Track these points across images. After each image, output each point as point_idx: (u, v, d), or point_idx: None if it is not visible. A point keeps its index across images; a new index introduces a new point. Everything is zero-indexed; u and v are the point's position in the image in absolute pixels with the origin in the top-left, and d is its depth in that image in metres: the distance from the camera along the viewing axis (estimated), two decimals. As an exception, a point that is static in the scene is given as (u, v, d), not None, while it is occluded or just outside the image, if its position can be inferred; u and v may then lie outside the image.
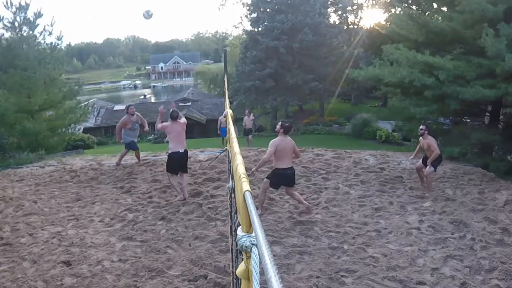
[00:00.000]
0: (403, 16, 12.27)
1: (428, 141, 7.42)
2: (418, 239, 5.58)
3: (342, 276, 4.60)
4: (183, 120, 7.52)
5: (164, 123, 7.31)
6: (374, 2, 33.43)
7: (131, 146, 9.88)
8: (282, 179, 6.24)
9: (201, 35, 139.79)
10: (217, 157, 9.18)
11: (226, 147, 7.88)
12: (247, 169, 8.34)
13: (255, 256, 1.23)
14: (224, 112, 7.75)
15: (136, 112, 10.20)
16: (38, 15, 16.56)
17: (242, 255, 1.49)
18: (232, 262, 2.89)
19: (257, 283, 1.19)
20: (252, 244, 1.32)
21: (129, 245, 5.49)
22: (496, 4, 9.62)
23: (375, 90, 21.61)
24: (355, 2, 33.59)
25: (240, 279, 1.52)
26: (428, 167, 7.41)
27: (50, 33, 17.13)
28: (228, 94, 10.45)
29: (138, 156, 10.22)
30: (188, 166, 7.74)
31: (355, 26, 34.16)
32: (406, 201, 7.06)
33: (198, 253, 5.07)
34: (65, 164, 10.53)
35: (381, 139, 20.45)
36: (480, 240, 5.46)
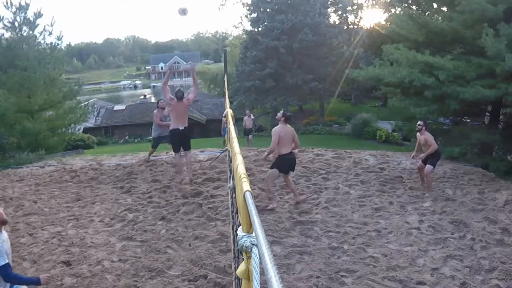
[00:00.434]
0: (403, 16, 12.27)
1: (426, 136, 7.48)
2: (418, 239, 5.58)
3: (342, 276, 4.60)
4: (191, 95, 8.02)
5: (172, 100, 7.55)
6: (374, 2, 33.46)
7: (155, 141, 9.73)
8: (287, 163, 6.61)
9: (201, 35, 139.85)
10: (217, 157, 9.18)
11: (226, 147, 7.89)
12: (247, 169, 8.34)
13: (255, 256, 1.23)
14: (224, 112, 7.75)
15: (168, 107, 9.76)
16: (38, 15, 16.56)
17: (242, 255, 1.49)
18: (234, 262, 2.89)
19: (257, 283, 1.19)
20: (252, 244, 1.32)
21: (129, 245, 5.49)
22: (496, 4, 9.62)
23: (375, 90, 21.61)
24: (355, 2, 33.59)
25: (241, 279, 1.52)
26: (427, 165, 7.43)
27: (50, 33, 17.15)
28: (228, 94, 10.45)
29: (150, 153, 10.05)
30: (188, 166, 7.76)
31: (355, 26, 34.17)
32: (406, 201, 7.05)
33: (198, 253, 5.07)
34: (65, 164, 10.53)
35: (381, 139, 20.45)
36: (480, 240, 5.46)
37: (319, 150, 10.93)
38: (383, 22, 26.52)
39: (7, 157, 11.87)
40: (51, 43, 17.56)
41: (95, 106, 37.21)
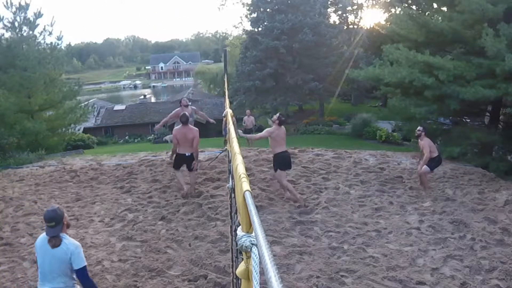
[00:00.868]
0: (403, 16, 12.26)
1: (423, 142, 7.41)
2: (418, 239, 5.58)
3: (342, 276, 4.60)
4: (195, 128, 7.28)
5: (175, 127, 7.34)
6: (374, 2, 33.44)
7: None
8: (285, 160, 6.98)
9: (201, 35, 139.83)
10: (217, 157, 9.18)
11: (226, 147, 7.89)
12: (247, 169, 8.32)
13: (255, 256, 1.22)
14: (224, 112, 7.75)
15: (192, 106, 9.33)
16: (38, 15, 16.57)
17: (242, 255, 1.49)
18: (232, 262, 2.89)
19: (257, 283, 1.18)
20: (252, 244, 1.32)
21: (129, 245, 5.49)
22: (496, 4, 9.62)
23: (375, 90, 21.52)
24: (355, 2, 33.57)
25: (240, 279, 1.52)
26: (424, 166, 7.44)
27: (50, 33, 17.16)
28: (228, 94, 10.44)
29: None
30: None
31: (355, 26, 34.14)
32: (406, 201, 7.06)
33: (198, 253, 5.07)
34: (65, 164, 10.53)
35: (381, 139, 20.42)
36: (480, 240, 5.46)
37: (319, 150, 10.94)
38: (383, 22, 26.53)
39: (7, 157, 11.87)
40: (51, 43, 17.59)
41: (95, 106, 37.22)
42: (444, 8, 12.55)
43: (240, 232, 1.45)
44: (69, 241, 3.17)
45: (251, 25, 29.68)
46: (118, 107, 39.71)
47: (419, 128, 7.64)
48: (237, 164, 1.97)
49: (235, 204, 2.08)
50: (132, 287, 4.42)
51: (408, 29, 11.91)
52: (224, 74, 12.21)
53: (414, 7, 14.16)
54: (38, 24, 16.71)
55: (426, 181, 7.57)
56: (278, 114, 7.19)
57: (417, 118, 11.61)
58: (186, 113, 8.51)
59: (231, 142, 3.07)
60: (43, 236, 3.20)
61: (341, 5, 33.06)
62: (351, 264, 4.86)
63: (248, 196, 1.41)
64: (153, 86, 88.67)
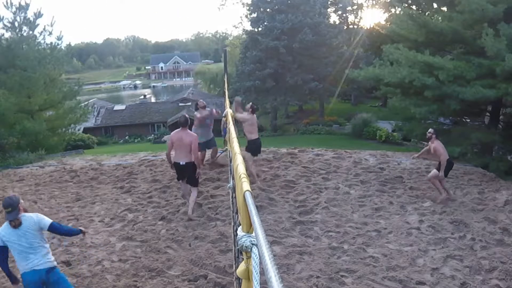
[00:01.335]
0: (403, 16, 12.27)
1: (435, 145, 7.09)
2: (418, 239, 5.58)
3: (342, 276, 4.60)
4: (194, 134, 6.42)
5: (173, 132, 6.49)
6: (374, 2, 33.47)
7: (201, 147, 8.28)
8: (257, 146, 7.80)
9: (201, 35, 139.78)
10: (217, 157, 9.17)
11: (226, 147, 7.90)
12: (247, 169, 8.32)
13: (255, 256, 1.22)
14: (224, 112, 7.75)
15: (209, 107, 8.92)
16: (38, 15, 16.57)
17: (242, 255, 1.49)
18: (235, 262, 2.89)
19: (257, 283, 1.18)
20: (252, 244, 1.32)
21: (129, 245, 5.49)
22: (496, 4, 9.62)
23: (375, 90, 21.53)
24: (355, 2, 33.59)
25: (241, 279, 1.52)
26: (433, 170, 7.16)
27: (50, 33, 17.16)
28: (228, 94, 10.44)
29: (202, 159, 8.74)
30: None
31: (355, 26, 34.16)
32: (406, 201, 7.06)
33: (198, 253, 5.07)
34: (65, 164, 10.53)
35: (381, 139, 20.43)
36: (480, 240, 5.46)
37: (319, 150, 10.93)
38: (383, 22, 26.59)
39: (7, 157, 11.88)
40: (51, 43, 17.60)
41: (95, 106, 37.27)
42: (444, 8, 12.56)
43: (240, 232, 1.45)
44: (28, 215, 3.65)
45: (251, 25, 29.68)
46: (118, 107, 39.73)
47: (430, 130, 7.32)
48: (237, 164, 1.97)
49: (236, 204, 2.08)
50: (132, 287, 4.42)
51: (408, 29, 11.92)
52: (224, 74, 12.21)
53: (414, 7, 14.17)
54: (38, 24, 16.73)
55: (440, 185, 7.17)
56: (251, 103, 8.19)
57: (417, 118, 11.62)
58: (199, 113, 8.45)
59: (231, 142, 3.07)
60: (5, 225, 3.61)
61: (341, 5, 33.09)
62: (351, 264, 4.86)
63: (248, 196, 1.41)
64: (153, 86, 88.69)
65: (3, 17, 15.99)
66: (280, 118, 31.88)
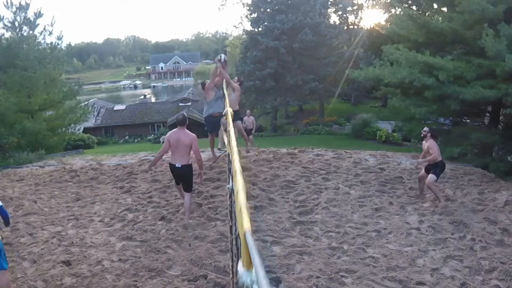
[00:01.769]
0: (403, 17, 12.27)
1: (429, 144, 7.03)
2: (418, 239, 5.58)
3: (342, 276, 4.59)
4: (192, 134, 5.89)
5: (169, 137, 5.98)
6: (374, 2, 33.48)
7: (209, 125, 7.93)
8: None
9: (201, 35, 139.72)
10: (218, 157, 9.17)
11: (225, 149, 7.88)
12: (247, 169, 8.32)
13: None
14: (224, 111, 7.71)
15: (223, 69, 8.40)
16: (38, 15, 16.58)
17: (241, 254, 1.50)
18: (232, 262, 2.89)
19: None
20: (252, 281, 1.33)
21: (129, 245, 5.48)
22: (496, 5, 9.63)
23: (375, 91, 21.53)
24: (355, 2, 33.62)
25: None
26: (430, 175, 6.94)
27: (50, 33, 17.19)
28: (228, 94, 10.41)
29: (212, 144, 8.64)
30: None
31: (355, 27, 34.18)
32: (406, 202, 7.05)
33: (198, 253, 5.06)
34: (65, 164, 10.53)
35: (381, 139, 20.45)
36: (480, 241, 5.46)
37: (319, 150, 10.93)
38: (383, 23, 26.51)
39: (7, 157, 11.88)
40: (51, 43, 17.62)
41: (95, 106, 37.28)
42: (444, 9, 12.56)
43: (241, 268, 1.45)
44: None
45: (251, 25, 29.71)
46: (118, 107, 39.76)
47: (425, 128, 7.28)
48: (237, 191, 1.95)
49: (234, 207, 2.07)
50: (132, 287, 4.42)
51: (408, 29, 11.92)
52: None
53: (414, 7, 14.17)
54: (38, 24, 16.75)
55: (436, 189, 6.98)
56: (236, 77, 8.83)
57: (417, 118, 11.62)
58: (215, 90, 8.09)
59: (232, 150, 3.05)
60: None
61: (341, 6, 33.11)
62: (351, 264, 4.86)
63: (249, 237, 1.41)
64: (153, 86, 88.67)
65: (3, 17, 16.04)
66: (280, 118, 31.88)
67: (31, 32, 16.68)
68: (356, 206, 6.82)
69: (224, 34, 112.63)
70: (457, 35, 10.68)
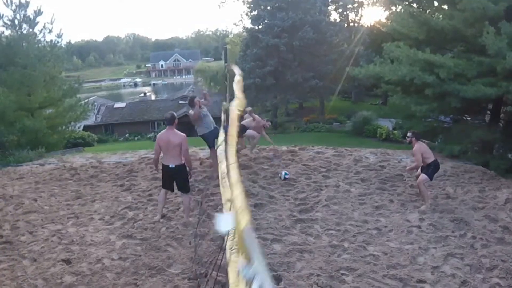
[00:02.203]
0: (404, 14, 12.24)
1: (414, 149, 6.83)
2: (418, 237, 5.57)
3: (342, 274, 4.59)
4: (183, 134, 5.88)
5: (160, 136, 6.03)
6: (374, 0, 33.36)
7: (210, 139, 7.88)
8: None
9: (202, 32, 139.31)
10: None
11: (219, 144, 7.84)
12: (247, 167, 8.28)
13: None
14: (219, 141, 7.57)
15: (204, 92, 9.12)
16: (38, 12, 16.54)
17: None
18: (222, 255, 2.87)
19: None
20: (253, 275, 1.32)
21: (129, 243, 5.48)
22: (497, 2, 9.59)
23: (375, 88, 21.51)
24: (355, 0, 33.52)
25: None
26: (421, 174, 6.82)
27: (50, 31, 17.14)
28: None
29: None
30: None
31: (356, 24, 34.09)
32: (406, 199, 7.05)
33: (198, 251, 5.06)
34: (65, 162, 10.52)
35: (382, 137, 20.40)
36: (481, 239, 5.46)
37: (320, 148, 10.92)
38: (384, 20, 26.38)
39: (7, 155, 11.86)
40: (51, 40, 17.56)
41: (95, 104, 37.14)
42: (445, 6, 12.52)
43: (241, 263, 1.45)
44: None
45: (251, 22, 29.64)
46: (118, 105, 39.73)
47: (408, 134, 7.11)
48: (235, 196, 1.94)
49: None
50: (132, 285, 4.41)
51: (408, 27, 11.89)
52: (225, 70, 12.17)
53: (414, 5, 14.14)
54: (38, 22, 16.70)
55: (425, 191, 6.80)
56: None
57: (418, 116, 11.60)
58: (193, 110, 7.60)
59: (232, 189, 2.99)
60: None
61: (341, 3, 33.00)
62: (352, 262, 4.86)
63: (247, 233, 1.40)
64: (153, 84, 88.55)
65: (3, 15, 15.99)
66: (280, 116, 31.85)
67: (31, 30, 16.64)
68: (357, 204, 6.81)
69: (224, 32, 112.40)
70: (457, 33, 10.65)
